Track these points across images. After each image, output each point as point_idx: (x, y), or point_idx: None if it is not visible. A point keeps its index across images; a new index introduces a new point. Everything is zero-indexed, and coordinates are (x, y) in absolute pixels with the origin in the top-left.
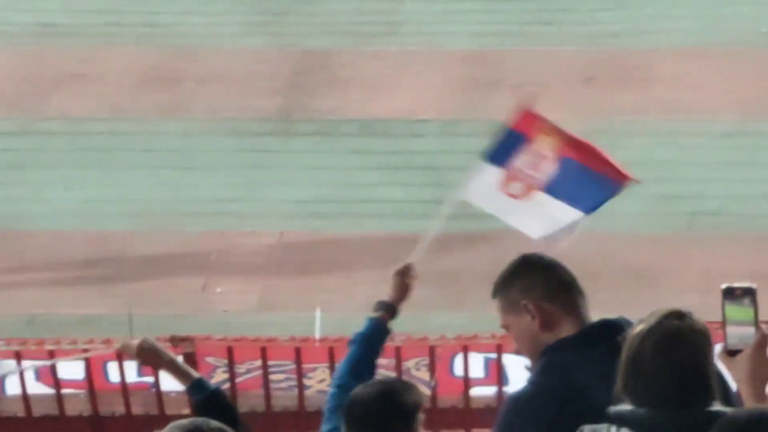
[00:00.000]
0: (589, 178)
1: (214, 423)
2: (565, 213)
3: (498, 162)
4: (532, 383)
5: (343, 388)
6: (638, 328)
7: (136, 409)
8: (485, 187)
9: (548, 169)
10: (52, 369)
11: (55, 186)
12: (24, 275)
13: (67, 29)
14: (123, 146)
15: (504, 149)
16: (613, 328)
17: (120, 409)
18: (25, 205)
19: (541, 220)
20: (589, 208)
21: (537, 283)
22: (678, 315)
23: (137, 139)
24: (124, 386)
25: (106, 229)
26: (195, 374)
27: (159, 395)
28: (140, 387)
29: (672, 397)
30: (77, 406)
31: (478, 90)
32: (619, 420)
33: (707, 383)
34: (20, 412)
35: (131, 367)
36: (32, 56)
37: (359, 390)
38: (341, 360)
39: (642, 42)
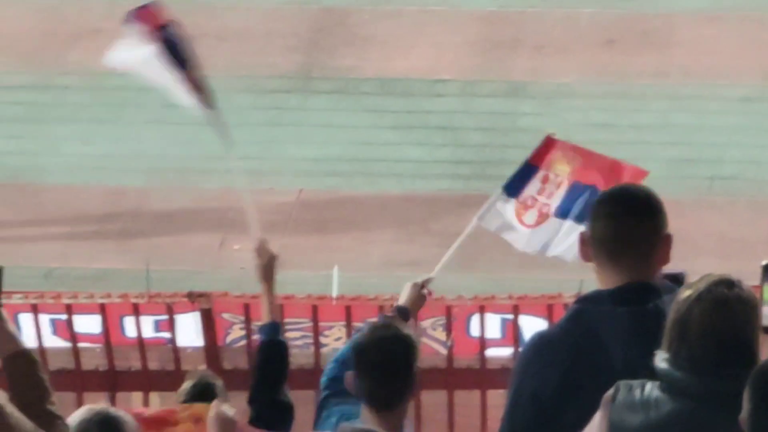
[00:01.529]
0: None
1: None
2: (573, 230)
3: (512, 193)
4: (559, 326)
5: (343, 364)
6: (686, 293)
7: (152, 364)
8: (501, 216)
9: (559, 194)
10: (69, 323)
11: (72, 140)
12: (41, 229)
13: None
14: (141, 102)
15: (519, 181)
16: (650, 293)
17: (136, 364)
18: (42, 159)
19: (553, 241)
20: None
21: (599, 218)
22: (728, 283)
23: (155, 94)
24: (140, 341)
25: (123, 184)
26: (278, 318)
27: (175, 350)
28: (157, 342)
29: (711, 365)
30: (93, 360)
31: (498, 51)
32: (656, 377)
33: (749, 354)
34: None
35: (148, 322)
36: (52, 10)
37: (368, 334)
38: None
39: (661, 5)
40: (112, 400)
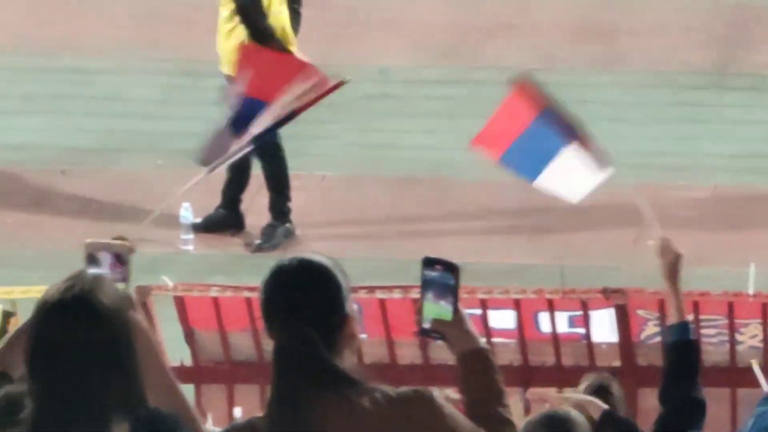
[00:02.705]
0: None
1: None
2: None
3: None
4: None
5: None
6: None
7: (566, 360)
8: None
9: None
10: (484, 318)
11: None
12: (456, 223)
13: None
14: (555, 96)
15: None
16: None
17: (550, 360)
18: (458, 154)
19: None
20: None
21: None
22: None
23: (570, 90)
24: (554, 336)
25: None
26: (685, 316)
27: (590, 346)
28: (571, 338)
29: None
30: (507, 355)
31: None
32: None
33: None
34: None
35: (562, 318)
36: (468, 5)
37: None
38: None
39: None
40: (525, 395)
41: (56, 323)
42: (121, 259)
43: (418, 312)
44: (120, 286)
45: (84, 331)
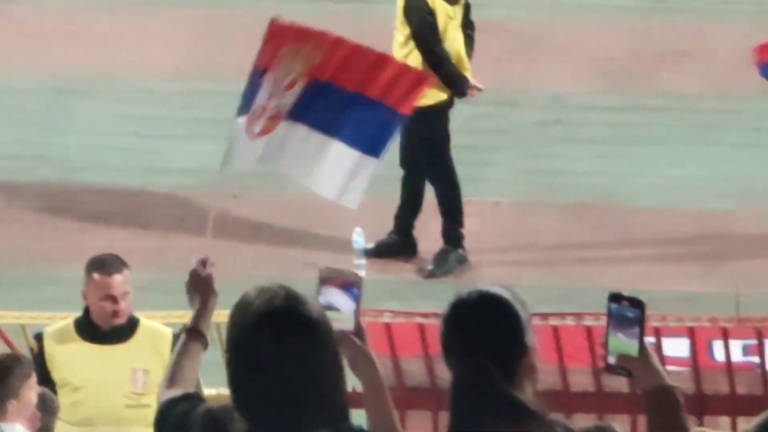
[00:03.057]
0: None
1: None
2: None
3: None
4: None
5: None
6: None
7: (740, 389)
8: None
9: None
10: (657, 346)
11: (660, 162)
12: (628, 250)
13: (676, 5)
14: (729, 124)
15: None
16: None
17: (723, 389)
18: (630, 181)
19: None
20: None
21: None
22: None
23: (744, 117)
24: (729, 365)
25: (711, 207)
26: None
27: (764, 375)
28: (745, 367)
29: None
30: (681, 383)
31: None
32: None
33: None
34: (623, 389)
35: (737, 346)
36: (641, 32)
37: None
38: None
39: None
40: (699, 424)
41: (263, 333)
42: (352, 288)
43: (604, 347)
44: (346, 315)
45: (291, 340)
